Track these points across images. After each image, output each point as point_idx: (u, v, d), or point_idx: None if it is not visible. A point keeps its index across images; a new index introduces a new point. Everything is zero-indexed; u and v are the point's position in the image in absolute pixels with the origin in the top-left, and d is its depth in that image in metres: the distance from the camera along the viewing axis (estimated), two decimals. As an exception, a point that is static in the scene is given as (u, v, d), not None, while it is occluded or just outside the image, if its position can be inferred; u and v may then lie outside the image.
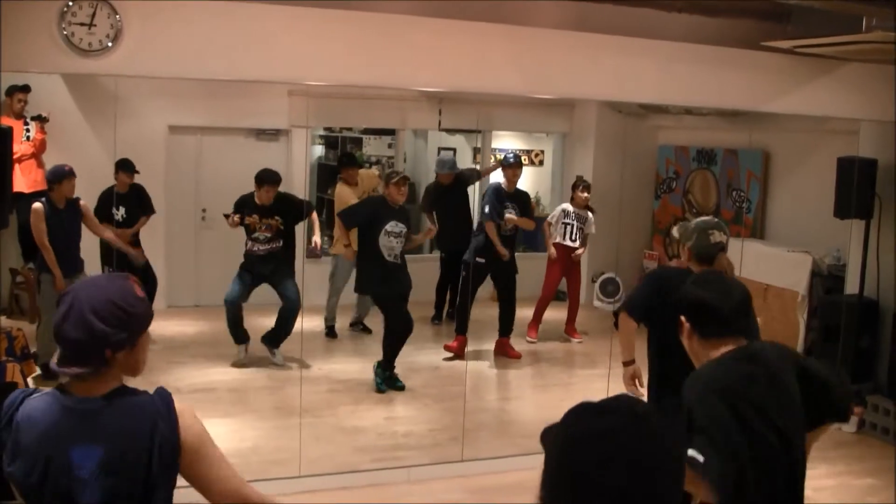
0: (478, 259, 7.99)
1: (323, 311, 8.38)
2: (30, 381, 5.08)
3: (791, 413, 2.71)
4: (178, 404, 2.27)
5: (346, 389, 7.18)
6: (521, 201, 8.39)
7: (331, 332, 8.46)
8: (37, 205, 6.53)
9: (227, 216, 7.33)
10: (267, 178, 7.41)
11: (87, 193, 6.76)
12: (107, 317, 2.16)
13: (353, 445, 6.23)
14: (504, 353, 8.37)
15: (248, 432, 6.37)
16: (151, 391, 2.29)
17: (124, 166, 6.96)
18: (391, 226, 7.07)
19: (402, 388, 7.25)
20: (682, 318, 2.89)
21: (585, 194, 8.72)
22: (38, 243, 6.48)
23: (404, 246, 7.20)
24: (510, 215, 8.16)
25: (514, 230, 8.31)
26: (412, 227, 7.57)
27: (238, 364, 7.44)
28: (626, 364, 4.62)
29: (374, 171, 9.68)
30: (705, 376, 2.74)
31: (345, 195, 8.37)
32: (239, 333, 7.48)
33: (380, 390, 7.15)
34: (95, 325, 2.15)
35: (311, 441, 5.88)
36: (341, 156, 9.50)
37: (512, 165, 8.38)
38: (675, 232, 4.78)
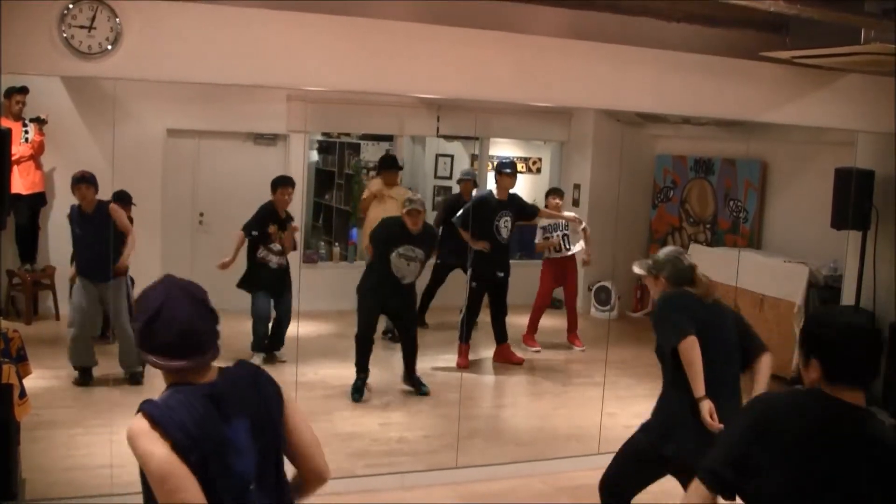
0: (498, 273, 8.08)
1: (321, 317, 8.35)
2: (25, 383, 5.06)
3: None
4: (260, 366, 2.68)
5: (341, 395, 7.16)
6: (515, 206, 8.27)
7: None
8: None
9: (269, 233, 7.48)
10: (290, 180, 7.58)
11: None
12: (212, 307, 2.53)
13: (347, 451, 6.22)
14: (506, 359, 8.35)
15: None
16: (154, 395, 2.46)
17: (122, 199, 6.96)
18: (405, 249, 7.11)
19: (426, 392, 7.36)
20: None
21: (557, 200, 8.73)
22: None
23: (419, 271, 7.31)
24: (481, 244, 7.94)
25: (507, 238, 8.19)
26: (430, 254, 7.57)
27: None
28: (701, 399, 4.20)
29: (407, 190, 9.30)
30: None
31: (373, 183, 8.52)
32: (261, 344, 7.63)
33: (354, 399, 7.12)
34: (215, 313, 2.52)
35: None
36: (383, 158, 9.31)
37: (509, 175, 8.24)
38: (638, 269, 4.72)
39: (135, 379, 6.78)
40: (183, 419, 2.35)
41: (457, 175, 9.95)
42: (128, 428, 2.38)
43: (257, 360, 7.48)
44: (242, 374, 2.59)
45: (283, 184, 7.52)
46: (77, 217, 6.71)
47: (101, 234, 6.38)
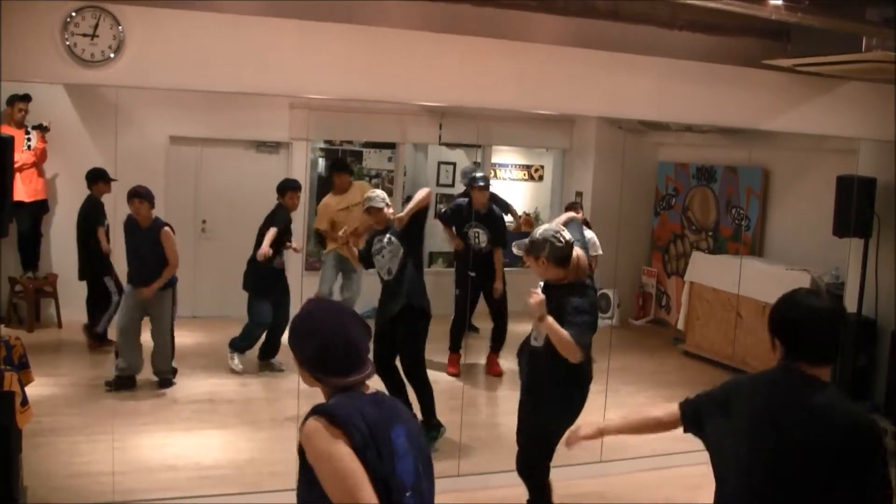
0: (470, 273, 7.80)
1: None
2: (27, 390, 5.06)
3: None
4: None
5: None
6: (490, 225, 7.96)
7: None
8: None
9: (290, 247, 7.57)
10: (295, 184, 7.61)
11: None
12: (366, 322, 2.69)
13: (349, 459, 6.21)
14: (489, 369, 8.25)
15: (245, 444, 6.35)
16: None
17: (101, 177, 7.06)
18: (377, 244, 6.49)
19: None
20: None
21: (578, 216, 8.66)
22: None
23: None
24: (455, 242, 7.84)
25: (488, 246, 7.98)
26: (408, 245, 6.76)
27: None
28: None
29: (367, 185, 9.02)
30: None
31: (324, 203, 8.29)
32: (247, 346, 7.69)
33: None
34: (368, 327, 2.70)
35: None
36: (333, 161, 9.31)
37: (480, 188, 7.89)
38: (517, 250, 4.77)
39: (165, 383, 7.02)
40: (357, 420, 2.45)
41: (458, 183, 9.93)
42: (303, 428, 2.47)
43: (236, 359, 7.58)
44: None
45: (291, 188, 7.59)
46: (131, 228, 6.87)
47: (151, 248, 6.82)
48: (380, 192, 6.58)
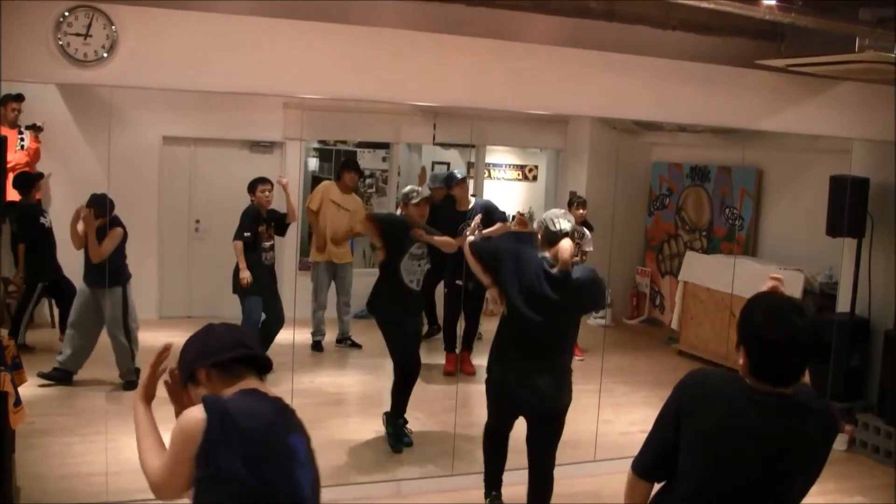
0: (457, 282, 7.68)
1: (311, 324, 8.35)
2: (20, 391, 5.05)
3: None
4: None
5: (337, 402, 7.17)
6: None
7: (317, 346, 8.41)
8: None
9: (260, 233, 7.45)
10: (260, 180, 7.48)
11: (80, 203, 6.73)
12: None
13: (342, 459, 6.22)
14: (462, 368, 8.09)
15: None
16: None
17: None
18: (415, 247, 6.42)
19: (409, 444, 6.55)
20: None
21: (581, 211, 8.65)
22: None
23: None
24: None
25: None
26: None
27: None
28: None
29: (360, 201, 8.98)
30: None
31: (325, 186, 8.35)
32: None
33: (395, 449, 6.45)
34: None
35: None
36: (346, 159, 9.28)
37: (461, 182, 7.92)
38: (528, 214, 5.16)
39: (129, 385, 6.81)
40: (241, 416, 2.43)
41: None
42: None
43: None
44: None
45: (260, 182, 7.46)
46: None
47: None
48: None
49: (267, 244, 7.48)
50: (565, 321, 5.03)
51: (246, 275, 7.25)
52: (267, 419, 2.48)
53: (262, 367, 2.66)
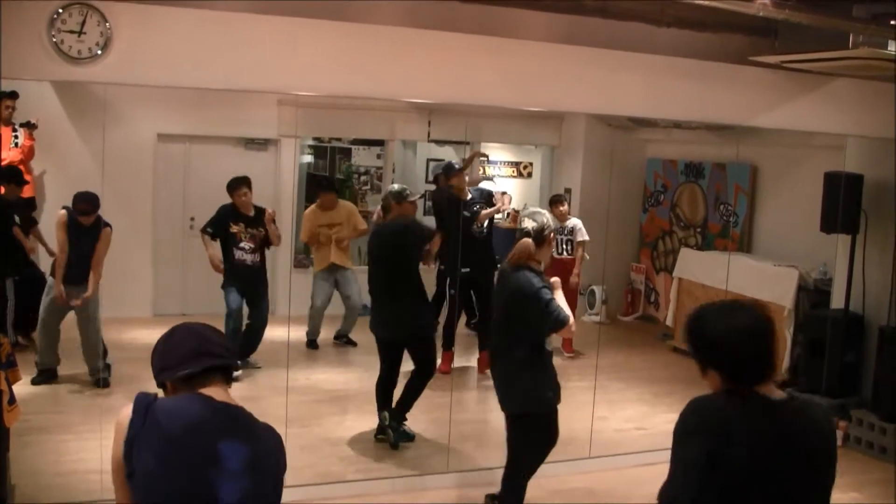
0: (463, 270, 7.72)
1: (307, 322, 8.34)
2: (14, 389, 5.04)
3: None
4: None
5: (333, 400, 7.16)
6: (483, 199, 8.09)
7: (311, 344, 8.41)
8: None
9: (234, 233, 7.40)
10: (244, 180, 7.44)
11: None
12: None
13: (338, 456, 6.21)
14: (481, 368, 8.05)
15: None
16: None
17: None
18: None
19: (412, 438, 6.56)
20: None
21: (562, 208, 8.67)
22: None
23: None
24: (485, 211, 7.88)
25: (487, 234, 7.97)
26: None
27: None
28: None
29: (353, 206, 8.98)
30: None
31: (307, 216, 8.34)
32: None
33: (394, 447, 6.41)
34: (222, 334, 2.67)
35: (297, 451, 5.84)
36: (320, 180, 9.37)
37: (460, 171, 8.00)
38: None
39: (101, 382, 6.77)
40: (169, 409, 2.36)
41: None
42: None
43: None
44: (256, 421, 2.50)
45: (237, 185, 7.41)
46: (73, 226, 6.66)
47: (89, 247, 6.62)
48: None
49: (246, 245, 7.42)
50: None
51: (215, 263, 7.31)
52: (194, 421, 2.35)
53: (228, 371, 2.55)
